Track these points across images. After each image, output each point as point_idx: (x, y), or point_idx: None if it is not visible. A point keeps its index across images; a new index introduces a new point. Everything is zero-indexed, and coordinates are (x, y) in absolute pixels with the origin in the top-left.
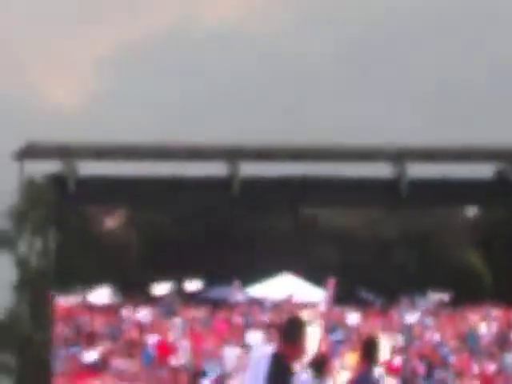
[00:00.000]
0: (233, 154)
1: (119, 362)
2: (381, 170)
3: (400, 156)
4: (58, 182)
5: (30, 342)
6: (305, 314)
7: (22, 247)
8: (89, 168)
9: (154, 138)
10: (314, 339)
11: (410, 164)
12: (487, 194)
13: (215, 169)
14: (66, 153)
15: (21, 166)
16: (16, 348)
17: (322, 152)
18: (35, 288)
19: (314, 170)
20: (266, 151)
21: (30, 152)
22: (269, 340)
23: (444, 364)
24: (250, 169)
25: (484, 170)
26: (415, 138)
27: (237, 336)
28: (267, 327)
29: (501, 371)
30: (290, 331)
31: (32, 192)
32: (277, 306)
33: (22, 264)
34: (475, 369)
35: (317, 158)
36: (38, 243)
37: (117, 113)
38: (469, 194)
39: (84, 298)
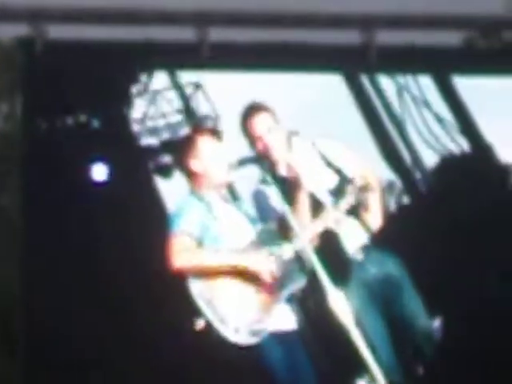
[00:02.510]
0: (202, 19)
1: None
2: (350, 37)
3: (368, 22)
4: (26, 45)
5: None
6: None
7: None
8: (58, 32)
9: (123, 2)
10: None
11: (379, 31)
12: (455, 62)
13: (184, 34)
14: (35, 15)
15: None
16: None
17: (293, 18)
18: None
19: (284, 37)
20: (235, 16)
21: None
22: None
23: None
24: (219, 35)
25: (452, 39)
26: (383, 4)
27: None
28: None
29: None
30: None
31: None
32: None
33: None
34: None
35: (287, 24)
36: (4, 107)
37: None
38: (437, 61)
39: None
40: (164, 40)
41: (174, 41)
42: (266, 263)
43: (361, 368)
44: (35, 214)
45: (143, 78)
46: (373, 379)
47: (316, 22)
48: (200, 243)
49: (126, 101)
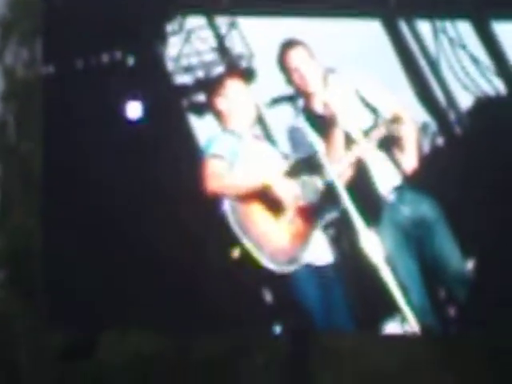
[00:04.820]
0: None
1: None
2: None
3: None
4: None
5: (15, 152)
6: None
7: (9, 58)
8: None
9: None
10: None
11: None
12: (476, 6)
13: None
14: None
15: None
16: (2, 158)
17: None
18: (22, 98)
19: None
20: None
21: None
22: None
23: None
24: None
25: None
26: None
27: None
28: None
29: None
30: None
31: (20, 3)
32: None
33: (8, 75)
34: None
35: None
36: (25, 54)
37: None
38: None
39: None
40: None
41: None
42: (295, 190)
43: (392, 308)
44: (66, 152)
45: (178, 16)
46: (404, 320)
47: None
48: (232, 167)
49: (160, 39)
